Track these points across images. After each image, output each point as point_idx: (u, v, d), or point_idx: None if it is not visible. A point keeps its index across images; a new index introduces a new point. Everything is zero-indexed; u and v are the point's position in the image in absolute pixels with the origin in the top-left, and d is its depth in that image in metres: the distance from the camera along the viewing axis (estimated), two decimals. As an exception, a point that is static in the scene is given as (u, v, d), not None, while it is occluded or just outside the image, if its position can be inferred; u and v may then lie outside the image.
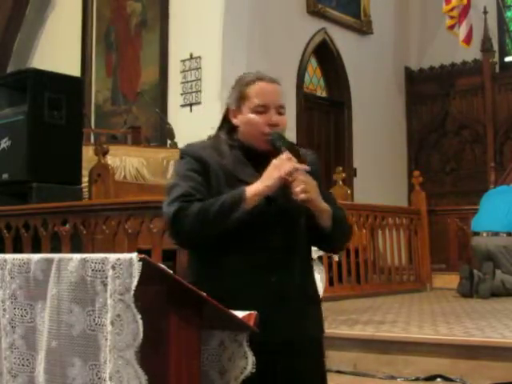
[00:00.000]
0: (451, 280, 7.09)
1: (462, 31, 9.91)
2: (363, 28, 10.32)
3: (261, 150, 2.00)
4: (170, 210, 1.92)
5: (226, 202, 1.90)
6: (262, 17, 8.60)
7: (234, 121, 2.05)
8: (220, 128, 2.11)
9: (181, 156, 2.05)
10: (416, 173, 8.09)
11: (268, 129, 1.98)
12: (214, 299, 1.70)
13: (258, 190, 1.91)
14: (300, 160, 1.93)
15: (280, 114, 2.01)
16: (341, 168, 7.82)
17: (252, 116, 2.00)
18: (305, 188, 1.88)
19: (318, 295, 2.12)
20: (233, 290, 1.89)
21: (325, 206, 1.96)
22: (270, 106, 2.00)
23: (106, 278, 1.43)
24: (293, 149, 1.95)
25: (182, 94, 8.40)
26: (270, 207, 1.95)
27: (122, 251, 1.58)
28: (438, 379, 3.68)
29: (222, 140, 2.05)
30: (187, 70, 8.37)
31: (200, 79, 8.25)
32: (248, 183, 1.94)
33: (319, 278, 4.18)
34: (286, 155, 1.92)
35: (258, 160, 1.99)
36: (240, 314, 1.61)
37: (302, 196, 1.88)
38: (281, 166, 1.90)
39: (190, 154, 2.03)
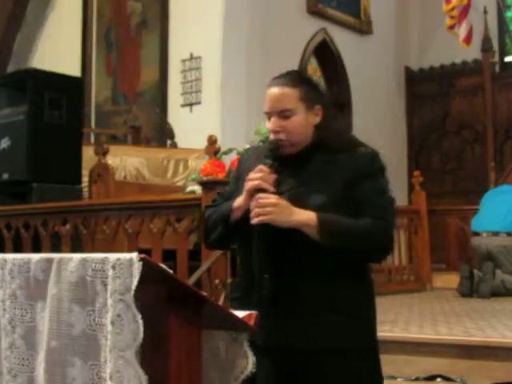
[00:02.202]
0: (451, 280, 7.09)
1: (462, 31, 9.91)
2: (363, 28, 10.32)
3: (289, 153, 1.98)
4: None
5: (222, 211, 1.99)
6: (262, 17, 8.59)
7: None
8: None
9: None
10: (416, 173, 8.08)
11: (272, 136, 1.98)
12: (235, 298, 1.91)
13: (238, 204, 1.94)
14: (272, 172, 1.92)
15: (285, 118, 1.96)
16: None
17: (266, 123, 2.03)
18: (259, 212, 1.85)
19: (348, 306, 1.95)
20: (242, 291, 1.97)
21: (299, 219, 1.87)
22: (272, 112, 1.98)
23: (106, 277, 1.43)
24: (272, 163, 1.94)
25: (182, 94, 8.40)
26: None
27: (122, 251, 1.58)
28: (438, 379, 3.68)
29: (266, 144, 2.08)
30: (187, 70, 8.37)
31: (200, 79, 8.25)
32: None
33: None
34: (258, 169, 1.92)
35: (284, 164, 1.97)
36: (240, 313, 1.61)
37: (254, 220, 1.86)
38: (249, 180, 1.92)
39: (239, 158, 2.22)
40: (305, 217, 1.87)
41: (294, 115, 1.96)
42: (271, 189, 1.89)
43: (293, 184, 1.96)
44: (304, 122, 1.98)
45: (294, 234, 1.88)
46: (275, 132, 1.97)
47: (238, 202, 1.95)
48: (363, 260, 2.00)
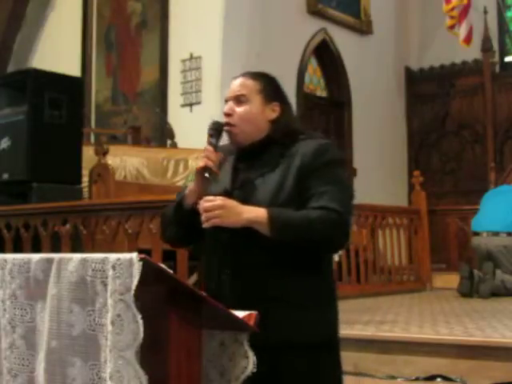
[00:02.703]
0: (451, 280, 7.08)
1: (462, 31, 9.91)
2: (363, 28, 10.32)
3: (240, 145, 2.04)
4: None
5: (175, 201, 2.07)
6: (262, 17, 8.59)
7: None
8: None
9: None
10: (416, 173, 8.08)
11: (224, 120, 2.04)
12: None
13: (190, 188, 2.01)
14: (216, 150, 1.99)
15: (240, 103, 2.02)
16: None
17: None
18: (208, 216, 1.87)
19: (304, 300, 1.93)
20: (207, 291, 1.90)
21: (249, 217, 1.88)
22: (229, 99, 2.05)
23: (106, 277, 1.43)
24: (213, 141, 2.01)
25: (182, 94, 8.40)
26: None
27: (122, 251, 1.58)
28: (438, 379, 3.68)
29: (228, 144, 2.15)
30: (187, 70, 8.37)
31: (200, 79, 8.26)
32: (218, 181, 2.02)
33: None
34: (204, 149, 1.99)
35: (239, 158, 2.06)
36: (240, 313, 1.61)
37: (205, 225, 1.89)
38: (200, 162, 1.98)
39: None
40: (254, 214, 1.88)
41: (249, 103, 2.02)
42: (215, 167, 1.95)
43: (247, 177, 2.00)
44: (257, 113, 2.02)
45: (247, 231, 1.89)
46: (227, 115, 2.02)
47: (190, 186, 2.01)
48: (316, 251, 1.97)
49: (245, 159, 2.04)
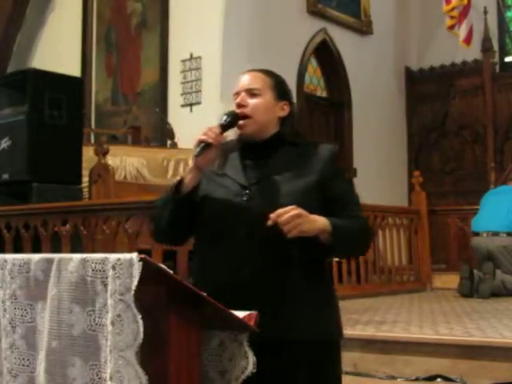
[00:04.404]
0: (451, 280, 7.09)
1: (463, 31, 9.91)
2: (363, 28, 10.32)
3: (250, 138, 2.01)
4: None
5: (169, 189, 1.98)
6: (262, 17, 8.59)
7: None
8: None
9: None
10: (416, 173, 8.08)
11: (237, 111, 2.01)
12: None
13: (189, 167, 1.96)
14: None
15: (253, 95, 2.01)
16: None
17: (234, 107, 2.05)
18: (289, 227, 1.82)
19: (316, 298, 1.95)
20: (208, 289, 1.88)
21: (320, 226, 1.87)
22: (240, 91, 2.03)
23: (107, 278, 1.43)
24: (227, 122, 1.97)
25: (182, 94, 8.40)
26: (237, 200, 1.94)
27: (122, 251, 1.58)
28: (438, 379, 3.68)
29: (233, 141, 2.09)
30: (187, 70, 8.37)
31: (200, 79, 8.26)
32: (227, 175, 1.99)
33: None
34: (208, 127, 1.94)
35: (249, 151, 2.02)
36: (240, 313, 1.61)
37: (291, 235, 1.83)
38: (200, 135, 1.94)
39: None
40: (322, 223, 1.88)
41: (262, 96, 2.02)
42: (215, 142, 1.92)
43: (261, 174, 1.98)
44: (270, 107, 2.03)
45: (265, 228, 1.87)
46: (240, 106, 2.01)
47: (187, 168, 1.99)
48: (353, 256, 2.14)
49: (253, 156, 2.02)
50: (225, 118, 1.98)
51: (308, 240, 1.88)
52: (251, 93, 2.01)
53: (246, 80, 2.04)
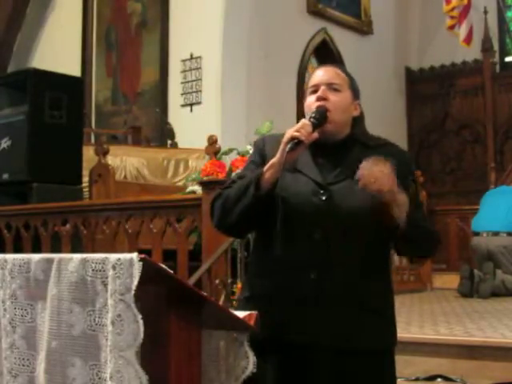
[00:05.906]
0: (451, 280, 7.09)
1: (463, 31, 9.92)
2: (363, 28, 10.32)
3: (326, 135, 1.91)
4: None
5: (247, 179, 1.87)
6: (262, 17, 8.59)
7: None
8: None
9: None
10: (416, 173, 8.07)
11: (316, 104, 1.93)
12: (258, 297, 1.89)
13: (272, 162, 1.85)
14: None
15: (334, 90, 1.94)
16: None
17: (308, 98, 1.98)
18: (365, 182, 1.75)
19: (383, 305, 1.93)
20: (271, 288, 1.87)
21: (399, 198, 1.78)
22: (320, 84, 1.96)
23: (107, 278, 1.43)
24: (317, 120, 1.88)
25: (182, 94, 8.40)
26: (315, 199, 1.87)
27: (122, 251, 1.58)
28: (438, 379, 3.68)
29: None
30: (187, 70, 8.37)
31: (200, 79, 8.26)
32: (301, 172, 1.91)
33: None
34: (300, 122, 1.85)
35: (321, 149, 1.93)
36: (240, 314, 1.61)
37: (367, 189, 1.76)
38: (290, 132, 1.84)
39: (255, 145, 2.07)
40: (403, 198, 1.80)
41: (343, 93, 1.97)
42: (307, 141, 1.83)
43: (338, 174, 1.91)
44: (348, 106, 1.97)
45: (342, 230, 1.83)
46: (321, 99, 1.94)
47: (271, 161, 1.85)
48: (419, 253, 2.04)
49: (325, 154, 1.94)
50: (314, 115, 1.89)
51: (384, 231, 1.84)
52: (332, 87, 1.95)
53: (326, 74, 1.98)
